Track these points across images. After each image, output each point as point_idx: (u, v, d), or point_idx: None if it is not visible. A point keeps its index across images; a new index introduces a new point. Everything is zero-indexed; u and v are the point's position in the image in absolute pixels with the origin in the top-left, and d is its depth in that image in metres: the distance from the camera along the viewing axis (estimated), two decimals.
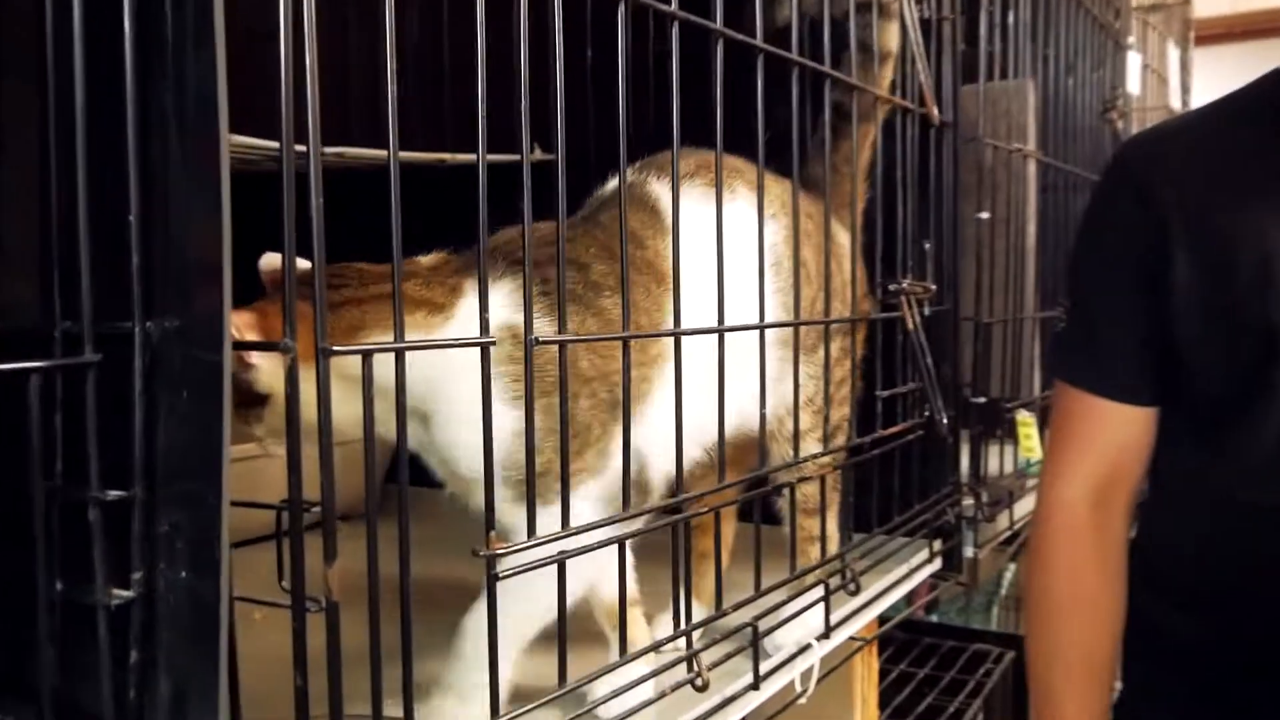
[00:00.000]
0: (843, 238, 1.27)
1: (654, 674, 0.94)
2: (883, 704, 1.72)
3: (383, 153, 0.66)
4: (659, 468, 1.01)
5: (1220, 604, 1.12)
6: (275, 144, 0.59)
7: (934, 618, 2.59)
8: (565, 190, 0.84)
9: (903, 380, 1.39)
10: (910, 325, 1.36)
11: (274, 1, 0.58)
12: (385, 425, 0.73)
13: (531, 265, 0.80)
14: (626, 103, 0.87)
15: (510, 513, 0.90)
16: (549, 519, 0.85)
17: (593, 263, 0.99)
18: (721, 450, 1.03)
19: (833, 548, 1.24)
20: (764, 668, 1.07)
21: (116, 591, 0.58)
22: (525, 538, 0.82)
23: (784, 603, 1.13)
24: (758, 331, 1.06)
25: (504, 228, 0.93)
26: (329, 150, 1.32)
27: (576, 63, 0.98)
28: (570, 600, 0.87)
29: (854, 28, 1.20)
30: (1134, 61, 2.57)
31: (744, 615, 1.05)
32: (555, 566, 0.84)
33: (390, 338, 0.80)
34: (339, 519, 1.63)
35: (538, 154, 1.37)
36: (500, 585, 0.77)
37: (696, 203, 1.04)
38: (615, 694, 0.90)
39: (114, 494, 0.58)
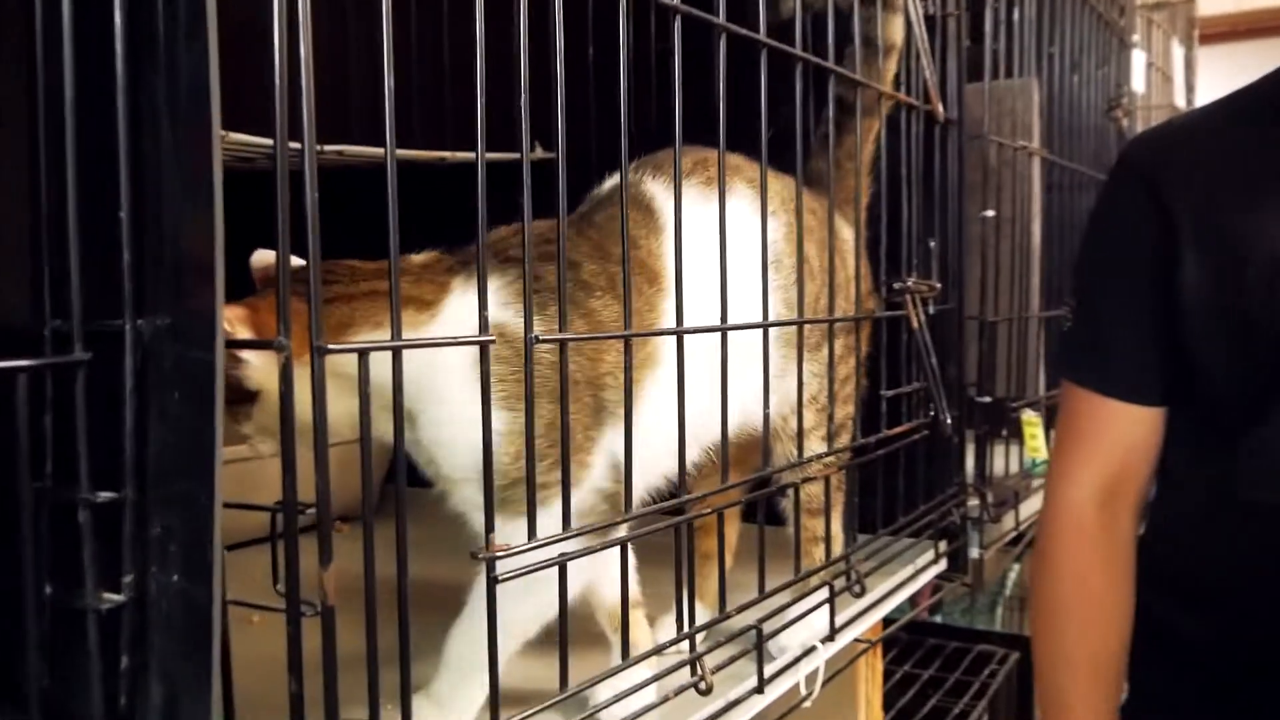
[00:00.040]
0: (846, 233, 1.25)
1: (657, 678, 0.93)
2: (886, 706, 1.71)
3: (382, 151, 0.65)
4: (640, 478, 0.97)
5: (1228, 604, 1.11)
6: (294, 145, 0.58)
7: (938, 618, 2.58)
8: (565, 189, 0.82)
9: (907, 380, 1.38)
10: (915, 324, 1.34)
11: None
12: (374, 425, 0.72)
13: (531, 263, 0.78)
14: (628, 100, 0.86)
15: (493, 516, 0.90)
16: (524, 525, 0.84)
17: (584, 261, 0.98)
18: (725, 451, 1.02)
19: (837, 549, 1.22)
20: (768, 671, 1.05)
21: (107, 595, 0.57)
22: (510, 541, 0.80)
23: (788, 605, 1.12)
24: (755, 329, 1.05)
25: (501, 226, 0.92)
26: (329, 148, 1.31)
27: (578, 60, 0.97)
28: (554, 605, 0.86)
29: (858, 21, 1.19)
30: (1139, 59, 2.55)
31: (748, 617, 1.04)
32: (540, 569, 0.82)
33: (380, 335, 0.80)
34: (341, 520, 1.63)
35: (539, 152, 1.37)
36: (476, 598, 0.76)
37: (693, 201, 1.03)
38: (618, 698, 0.89)
39: (104, 495, 0.57)
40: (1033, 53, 1.82)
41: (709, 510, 1.02)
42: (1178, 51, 3.16)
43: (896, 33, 1.29)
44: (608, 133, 0.92)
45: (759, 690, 1.04)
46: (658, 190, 1.05)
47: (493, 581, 0.75)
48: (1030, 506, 1.78)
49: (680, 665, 0.95)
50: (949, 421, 1.40)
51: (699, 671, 0.95)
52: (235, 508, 0.60)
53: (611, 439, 0.95)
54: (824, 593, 1.15)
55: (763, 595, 1.07)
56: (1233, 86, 1.15)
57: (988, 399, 1.66)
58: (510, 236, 0.93)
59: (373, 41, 0.66)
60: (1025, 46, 1.79)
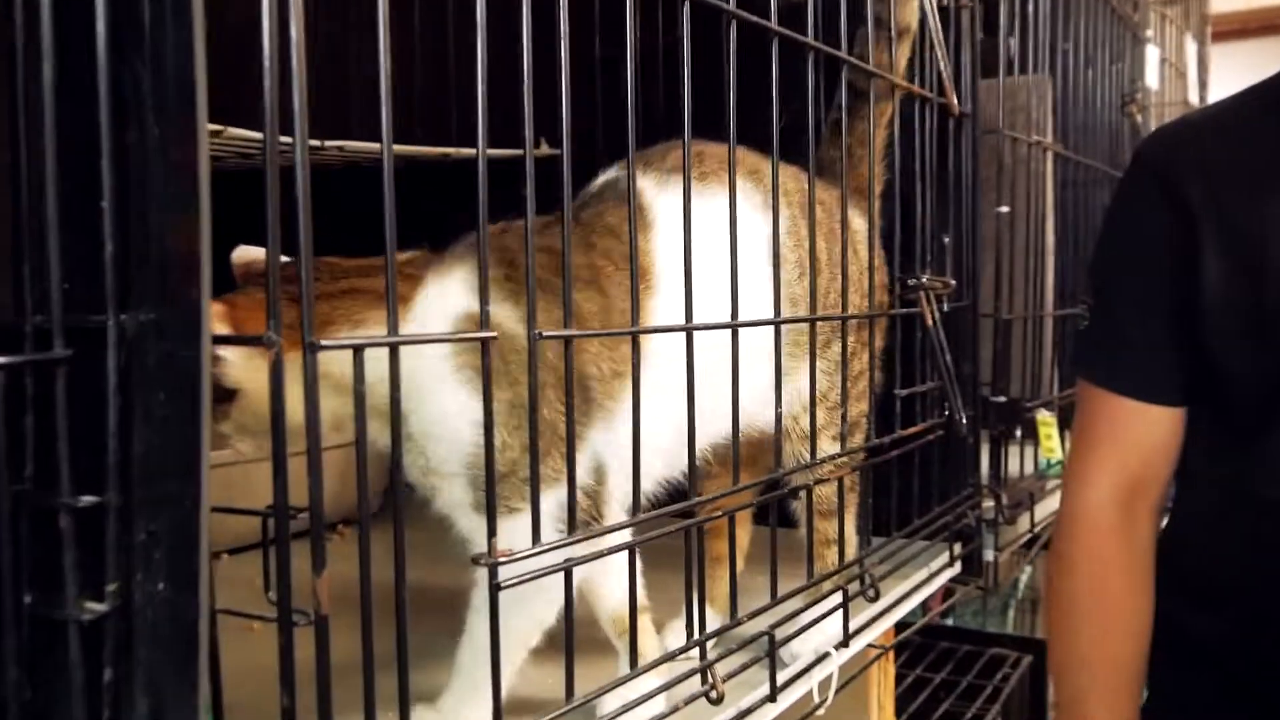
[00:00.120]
0: (859, 224, 1.22)
1: (666, 686, 0.90)
2: (898, 710, 1.69)
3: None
4: (619, 475, 0.95)
5: (1247, 605, 1.10)
6: (286, 139, 0.56)
7: (950, 621, 2.56)
8: (570, 184, 0.80)
9: (921, 379, 1.35)
10: (929, 321, 1.31)
11: None
12: (348, 421, 0.70)
13: (534, 260, 0.76)
14: (635, 92, 0.83)
15: (472, 518, 0.88)
16: (513, 527, 0.81)
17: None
18: (736, 452, 0.99)
19: (851, 552, 1.20)
20: (781, 678, 1.03)
21: (90, 604, 0.54)
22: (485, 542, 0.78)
23: (801, 610, 1.09)
24: (748, 327, 1.02)
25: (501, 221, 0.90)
26: (330, 144, 1.29)
27: (584, 54, 0.95)
28: (555, 611, 0.85)
29: (870, 3, 1.16)
30: (1153, 55, 2.53)
31: (760, 624, 1.02)
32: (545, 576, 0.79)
33: (358, 333, 0.79)
34: (343, 523, 1.61)
35: (544, 149, 1.35)
36: (480, 601, 0.73)
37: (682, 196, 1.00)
38: (626, 708, 0.86)
39: (87, 499, 0.54)
40: (1047, 47, 1.80)
41: (719, 513, 0.99)
42: (1191, 47, 3.13)
43: (910, 15, 1.26)
44: (614, 128, 0.89)
45: (771, 699, 1.01)
46: (648, 185, 1.03)
47: (495, 588, 0.72)
48: (1045, 508, 1.76)
49: (691, 673, 0.92)
50: (964, 421, 1.37)
51: (710, 680, 0.93)
52: (224, 512, 0.58)
53: (595, 436, 0.92)
54: (837, 597, 1.13)
55: (775, 600, 1.04)
56: (1244, 84, 1.13)
57: (1002, 398, 1.64)
58: (498, 234, 0.91)
59: (375, 37, 0.64)
60: (1040, 40, 1.76)
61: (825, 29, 1.07)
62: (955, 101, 1.38)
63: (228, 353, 0.81)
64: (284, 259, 0.57)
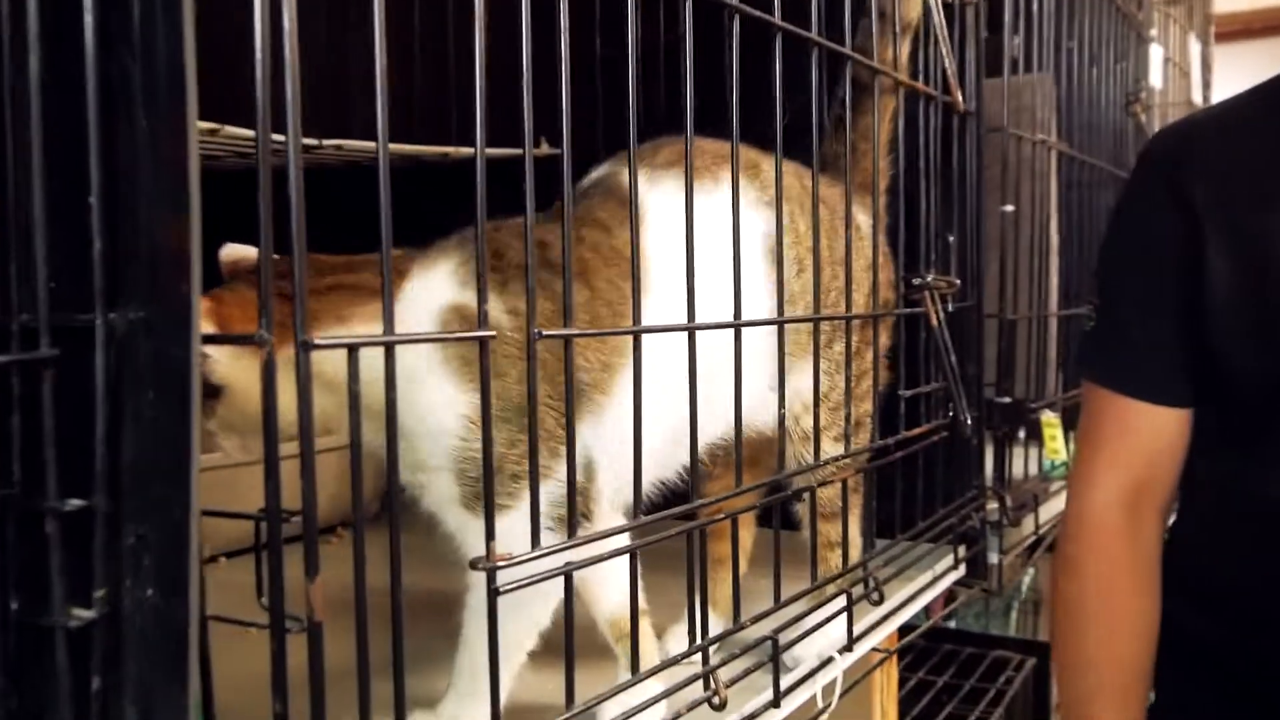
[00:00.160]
0: (861, 220, 1.21)
1: (668, 693, 0.89)
2: (901, 713, 1.67)
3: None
4: (608, 473, 0.94)
5: (1253, 609, 1.09)
6: (279, 137, 0.54)
7: (952, 623, 2.54)
8: (570, 184, 0.79)
9: (925, 379, 1.33)
10: (934, 321, 1.30)
11: None
12: (336, 421, 0.68)
13: (534, 258, 0.74)
14: (635, 91, 0.81)
15: (460, 514, 0.87)
16: (503, 526, 0.79)
17: (555, 242, 0.94)
18: (739, 453, 0.98)
19: (855, 554, 1.18)
20: (784, 683, 1.01)
21: (77, 611, 0.53)
22: (475, 540, 0.77)
23: (805, 614, 1.08)
24: (750, 326, 1.00)
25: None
26: (328, 142, 1.28)
27: (585, 52, 0.94)
28: (550, 613, 0.84)
29: None
30: (1156, 54, 2.51)
31: (763, 628, 1.00)
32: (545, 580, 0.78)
33: (343, 329, 0.79)
34: (341, 526, 1.59)
35: (544, 148, 1.34)
36: (478, 603, 0.72)
37: (674, 194, 0.99)
38: (627, 715, 0.84)
39: (74, 503, 0.53)
40: (1051, 45, 1.78)
41: (722, 516, 0.98)
42: (1194, 47, 3.12)
43: (913, 9, 1.25)
44: (614, 127, 0.88)
45: (775, 704, 1.00)
46: (638, 181, 1.01)
47: (494, 593, 0.71)
48: (1049, 510, 1.75)
49: (693, 679, 0.91)
50: (969, 422, 1.36)
51: (712, 685, 0.91)
52: (215, 515, 0.56)
53: (583, 431, 0.91)
54: (841, 601, 1.11)
55: (778, 604, 1.03)
56: (1247, 85, 1.12)
57: (1007, 399, 1.62)
58: (491, 230, 0.90)
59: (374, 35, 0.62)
60: (1045, 38, 1.75)
61: (828, 23, 1.06)
62: (960, 98, 1.37)
63: (213, 349, 0.80)
64: (274, 256, 0.56)
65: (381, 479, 1.41)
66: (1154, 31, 2.54)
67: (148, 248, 0.54)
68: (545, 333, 0.75)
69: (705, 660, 0.92)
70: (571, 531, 0.80)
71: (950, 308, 1.36)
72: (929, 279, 1.30)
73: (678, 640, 0.99)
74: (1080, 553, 1.15)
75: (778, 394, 1.02)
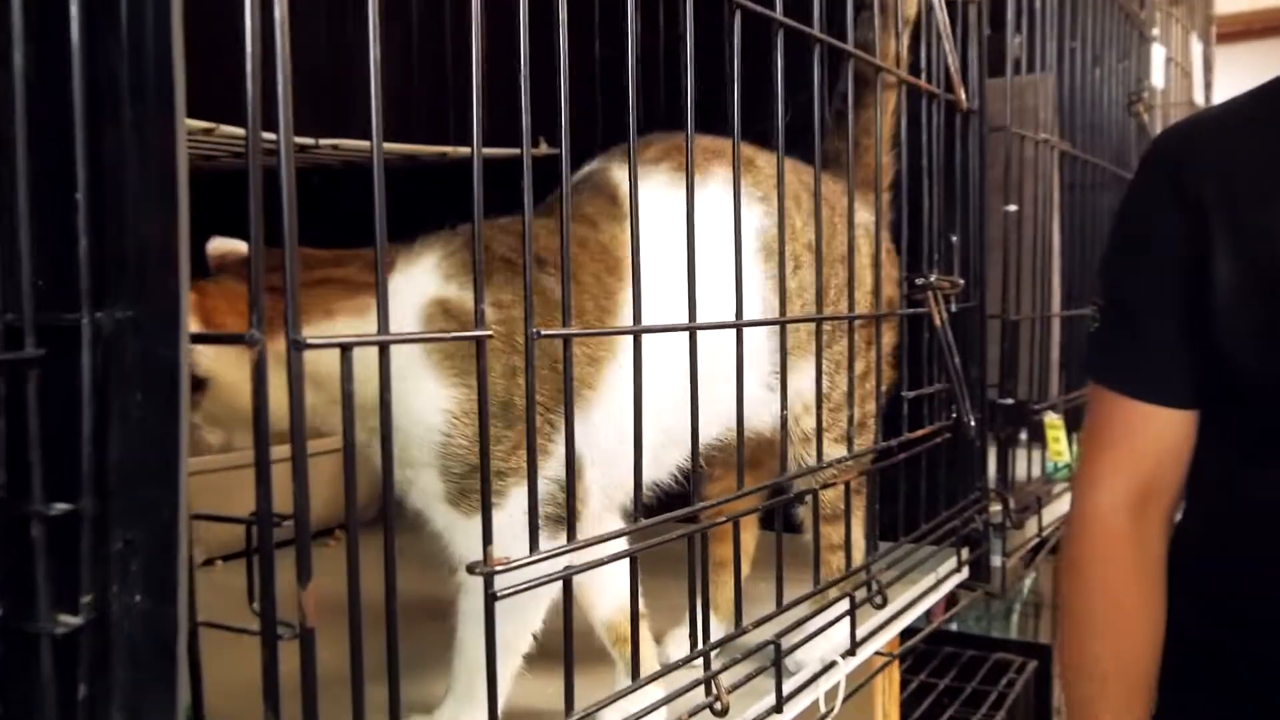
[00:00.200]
0: (863, 216, 1.19)
1: (670, 698, 0.87)
2: (903, 716, 1.66)
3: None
4: (598, 472, 0.93)
5: (1256, 611, 1.08)
6: (271, 135, 0.53)
7: (954, 626, 2.53)
8: (569, 184, 0.77)
9: (928, 380, 1.32)
10: (937, 322, 1.29)
11: None
12: (323, 418, 0.67)
13: (532, 258, 0.73)
14: (635, 89, 0.80)
15: (446, 512, 0.86)
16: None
17: (542, 235, 0.93)
18: (740, 454, 0.97)
19: (858, 557, 1.17)
20: (787, 688, 1.00)
21: (63, 617, 0.51)
22: (463, 539, 0.76)
23: (807, 618, 1.06)
24: (751, 326, 0.99)
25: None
26: (324, 142, 1.27)
27: (584, 51, 0.92)
28: (544, 615, 0.82)
29: None
30: (1159, 54, 2.51)
31: (765, 632, 0.99)
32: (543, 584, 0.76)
33: (331, 323, 0.79)
34: (340, 528, 1.58)
35: (542, 148, 1.33)
36: (471, 606, 0.70)
37: (662, 188, 0.98)
38: None
39: (60, 507, 0.51)
40: (1054, 44, 1.77)
41: (724, 519, 0.96)
42: (1196, 47, 3.11)
43: (912, 4, 1.24)
44: (613, 127, 0.87)
45: (778, 709, 0.98)
46: (623, 178, 1.00)
47: (491, 598, 0.69)
48: (1053, 512, 1.74)
49: (695, 684, 0.89)
50: (972, 424, 1.34)
51: (714, 691, 0.90)
52: (205, 519, 0.55)
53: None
54: (844, 604, 1.10)
55: (781, 608, 1.01)
56: (1248, 85, 1.12)
57: (1010, 401, 1.61)
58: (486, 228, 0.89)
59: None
60: (1047, 38, 1.74)
61: (829, 18, 1.04)
62: (963, 96, 1.35)
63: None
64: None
65: (378, 482, 1.40)
66: (1156, 31, 2.53)
67: (135, 246, 0.52)
68: (544, 332, 0.74)
69: (707, 665, 0.91)
70: (571, 535, 0.79)
71: (954, 308, 1.35)
72: (932, 279, 1.29)
73: (677, 644, 0.98)
74: (1085, 555, 1.14)
75: (779, 395, 1.01)
